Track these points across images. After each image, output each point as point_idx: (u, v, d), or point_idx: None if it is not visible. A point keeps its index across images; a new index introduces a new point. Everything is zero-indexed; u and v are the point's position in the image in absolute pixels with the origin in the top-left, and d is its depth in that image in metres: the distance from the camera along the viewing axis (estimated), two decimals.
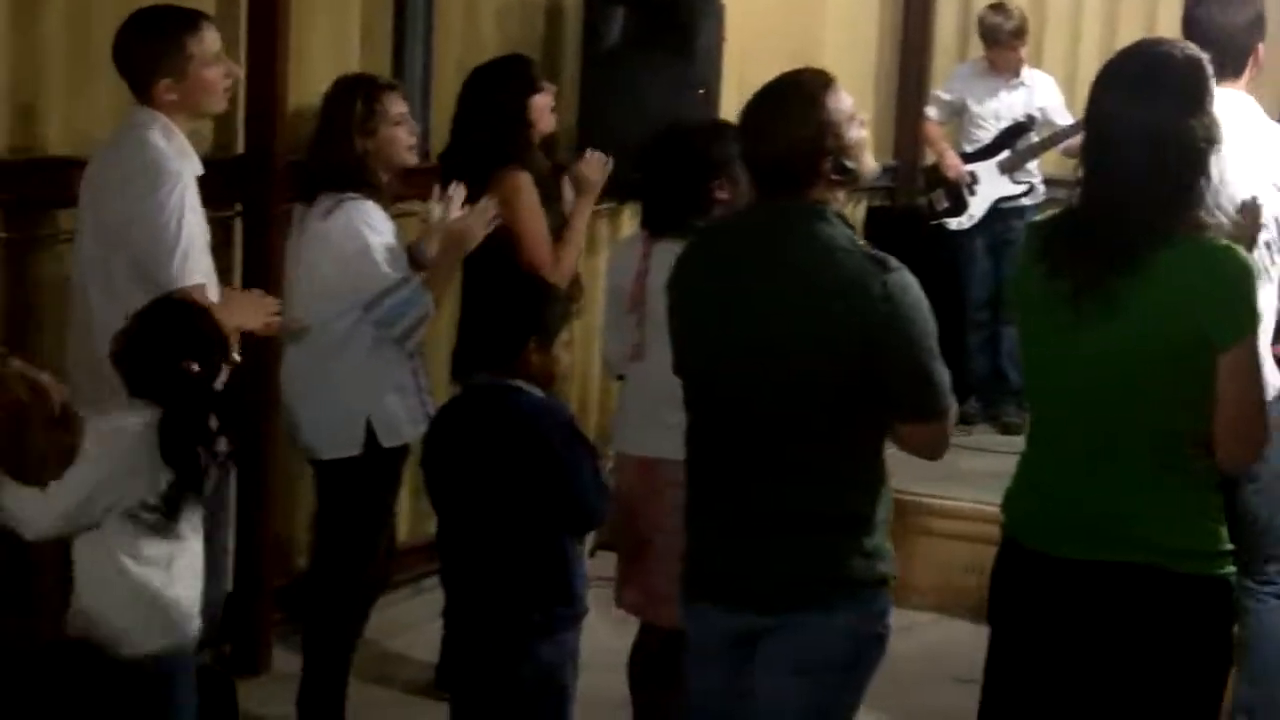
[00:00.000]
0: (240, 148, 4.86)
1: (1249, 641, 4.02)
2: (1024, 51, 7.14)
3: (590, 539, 3.94)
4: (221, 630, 4.21)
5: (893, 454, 3.12)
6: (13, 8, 4.17)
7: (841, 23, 7.61)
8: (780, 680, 3.06)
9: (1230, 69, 3.83)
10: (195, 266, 3.78)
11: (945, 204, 7.25)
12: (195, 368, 3.32)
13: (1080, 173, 2.93)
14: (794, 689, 3.05)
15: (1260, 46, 3.99)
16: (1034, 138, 7.13)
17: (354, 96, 4.37)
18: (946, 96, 7.38)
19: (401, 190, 4.58)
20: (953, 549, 5.48)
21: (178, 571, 3.35)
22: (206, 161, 4.04)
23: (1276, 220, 3.81)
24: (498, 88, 4.81)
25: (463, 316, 4.96)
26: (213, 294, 3.86)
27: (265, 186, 4.79)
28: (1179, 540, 2.88)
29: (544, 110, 4.85)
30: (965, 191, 7.20)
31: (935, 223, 7.25)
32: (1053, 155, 7.13)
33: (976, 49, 7.41)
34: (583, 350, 5.66)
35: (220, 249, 4.68)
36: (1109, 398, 2.87)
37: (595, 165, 4.89)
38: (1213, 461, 2.87)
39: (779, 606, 3.05)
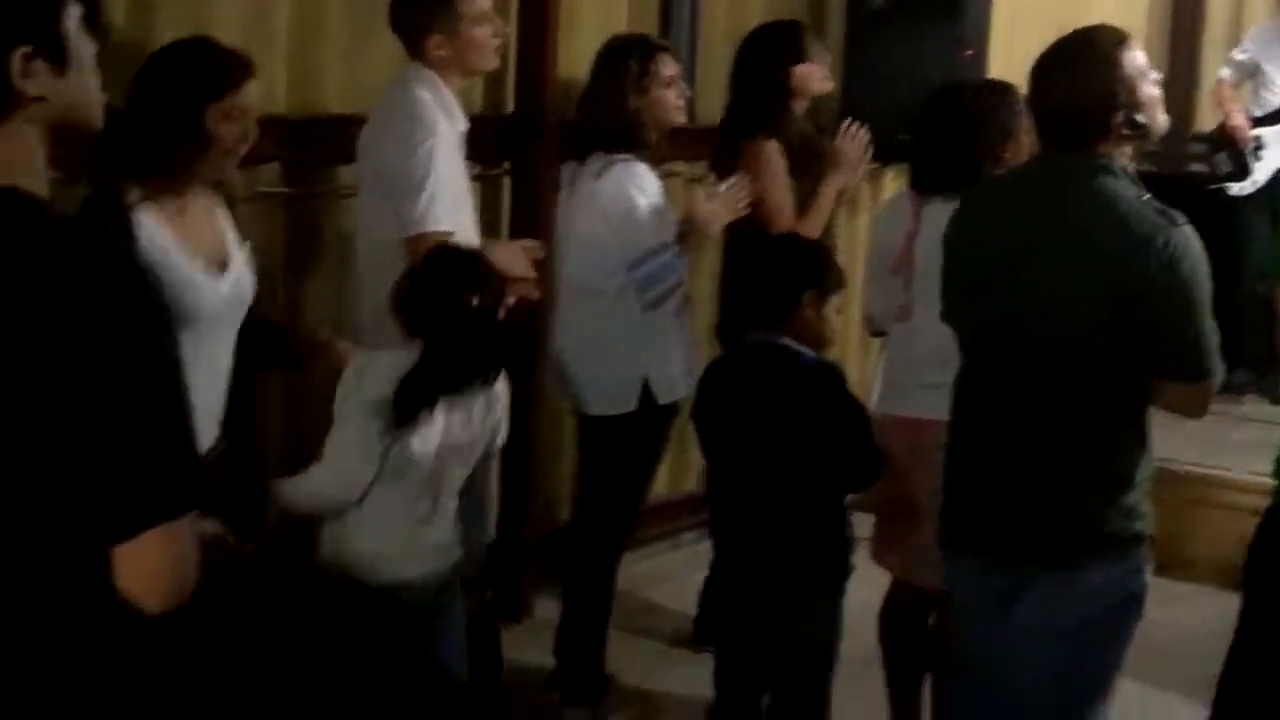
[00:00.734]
0: (510, 107, 4.95)
1: None
2: None
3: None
4: (484, 577, 4.30)
5: (1161, 423, 3.03)
6: None
7: None
8: (1036, 639, 3.02)
9: None
10: (441, 214, 3.80)
11: (1228, 167, 6.99)
12: (475, 301, 3.31)
13: None
14: (1053, 649, 3.01)
15: None
16: None
17: (628, 56, 4.39)
18: (1240, 56, 7.10)
19: (667, 152, 4.60)
20: (1225, 520, 5.34)
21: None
22: (476, 120, 4.10)
23: None
24: (764, 55, 4.74)
25: (727, 276, 4.95)
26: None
27: (534, 145, 4.86)
28: None
29: (808, 79, 4.72)
30: (1249, 156, 6.93)
31: (1215, 187, 7.00)
32: None
33: (1251, 16, 7.10)
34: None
35: (489, 206, 4.78)
36: None
37: (854, 141, 4.75)
38: None
39: (1037, 564, 3.01)
